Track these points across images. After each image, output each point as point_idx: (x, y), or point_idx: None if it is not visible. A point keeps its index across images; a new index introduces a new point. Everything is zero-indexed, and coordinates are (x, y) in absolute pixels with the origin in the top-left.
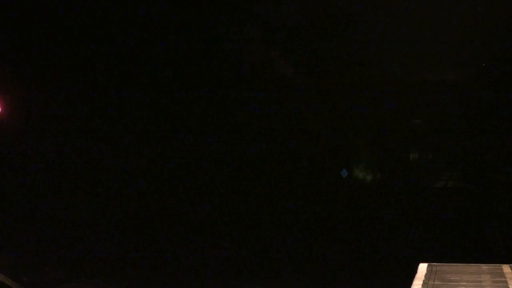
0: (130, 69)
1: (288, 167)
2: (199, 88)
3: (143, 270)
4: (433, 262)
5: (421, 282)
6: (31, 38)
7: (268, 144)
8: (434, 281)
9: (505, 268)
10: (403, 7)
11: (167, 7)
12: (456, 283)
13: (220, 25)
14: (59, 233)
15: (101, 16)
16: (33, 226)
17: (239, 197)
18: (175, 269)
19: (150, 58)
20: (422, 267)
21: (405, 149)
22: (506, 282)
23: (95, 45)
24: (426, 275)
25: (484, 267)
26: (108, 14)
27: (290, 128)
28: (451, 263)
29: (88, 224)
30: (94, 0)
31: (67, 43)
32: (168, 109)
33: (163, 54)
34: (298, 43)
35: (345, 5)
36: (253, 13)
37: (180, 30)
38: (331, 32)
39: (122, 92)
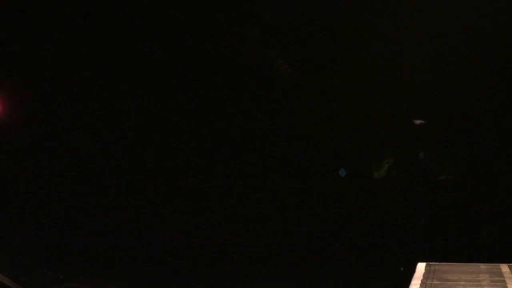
0: (129, 70)
1: (286, 167)
2: (198, 87)
3: (143, 269)
4: (431, 262)
5: (420, 282)
6: (31, 38)
7: (267, 144)
8: (432, 281)
9: (504, 267)
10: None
11: (166, 7)
12: (455, 282)
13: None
14: (59, 233)
15: (100, 16)
16: (33, 226)
17: (240, 197)
18: (175, 269)
19: (148, 58)
20: (421, 267)
21: (404, 146)
22: (504, 281)
23: (95, 44)
24: (424, 275)
25: (483, 266)
26: (107, 15)
27: (292, 129)
28: (450, 262)
29: (88, 224)
30: (93, 1)
31: (67, 43)
32: (166, 108)
33: (161, 53)
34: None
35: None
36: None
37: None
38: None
39: (121, 92)
